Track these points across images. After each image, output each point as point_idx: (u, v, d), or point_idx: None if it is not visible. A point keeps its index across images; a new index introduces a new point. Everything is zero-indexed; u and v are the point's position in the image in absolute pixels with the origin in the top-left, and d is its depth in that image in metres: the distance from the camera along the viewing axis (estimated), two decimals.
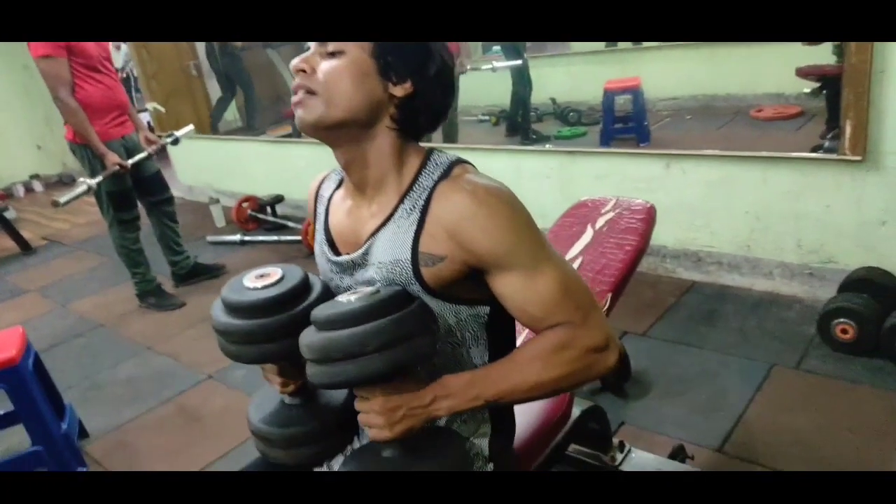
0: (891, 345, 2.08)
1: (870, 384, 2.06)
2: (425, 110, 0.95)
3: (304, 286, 1.00)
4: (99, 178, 3.03)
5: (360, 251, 0.99)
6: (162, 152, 3.55)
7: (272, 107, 7.23)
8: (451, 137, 4.88)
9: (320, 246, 1.07)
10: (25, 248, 4.95)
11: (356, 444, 1.12)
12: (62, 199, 2.96)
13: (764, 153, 2.54)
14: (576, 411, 1.42)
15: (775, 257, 2.62)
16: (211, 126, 5.71)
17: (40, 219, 6.00)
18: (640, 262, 1.55)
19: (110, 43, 4.70)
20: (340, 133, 0.93)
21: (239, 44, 5.95)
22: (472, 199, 0.89)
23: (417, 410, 0.89)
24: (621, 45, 5.92)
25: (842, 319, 2.18)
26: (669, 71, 5.46)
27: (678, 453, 1.80)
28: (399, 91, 0.92)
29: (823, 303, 2.41)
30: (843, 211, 2.39)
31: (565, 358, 0.90)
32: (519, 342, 1.13)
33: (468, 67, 4.93)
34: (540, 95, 5.59)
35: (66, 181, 7.58)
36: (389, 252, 0.95)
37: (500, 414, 1.09)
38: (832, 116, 3.59)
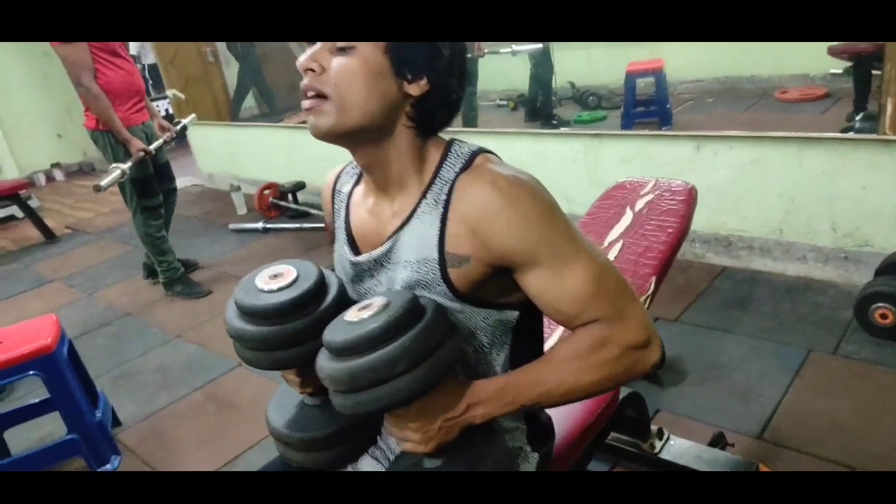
0: None
1: None
2: (441, 106, 0.89)
3: (320, 286, 0.95)
4: (129, 163, 3.04)
5: (382, 249, 0.93)
6: (182, 140, 3.55)
7: (288, 94, 7.23)
8: (470, 122, 4.85)
9: (341, 245, 1.02)
10: (49, 236, 4.99)
11: (379, 443, 1.08)
12: (103, 183, 2.96)
13: (798, 133, 2.49)
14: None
15: (808, 241, 2.58)
16: (231, 113, 5.70)
17: (63, 207, 6.05)
18: (682, 245, 1.52)
19: None
20: (357, 138, 0.88)
21: None
22: (493, 191, 0.83)
23: (452, 421, 0.86)
24: None
25: (881, 304, 2.14)
26: (691, 53, 5.37)
27: (718, 440, 1.78)
28: (415, 90, 0.86)
29: (859, 287, 2.36)
30: (880, 192, 2.34)
31: (603, 358, 0.85)
32: (547, 346, 1.10)
33: (486, 51, 4.86)
34: (558, 79, 5.53)
35: (86, 170, 7.64)
36: (416, 250, 0.90)
37: (535, 415, 1.05)
38: (861, 97, 3.54)
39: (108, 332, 3.21)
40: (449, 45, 0.87)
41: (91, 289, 3.83)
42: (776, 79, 5.38)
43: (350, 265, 0.99)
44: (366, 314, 0.83)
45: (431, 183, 0.90)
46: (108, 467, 2.13)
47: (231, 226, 4.39)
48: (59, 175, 7.49)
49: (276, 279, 0.94)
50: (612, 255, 1.51)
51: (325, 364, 0.84)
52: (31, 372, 1.97)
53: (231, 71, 6.64)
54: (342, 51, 0.84)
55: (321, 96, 0.85)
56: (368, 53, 0.84)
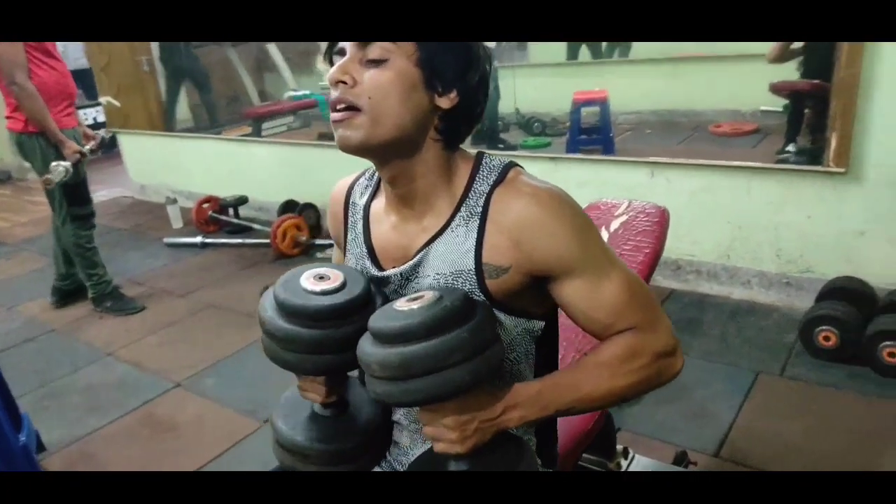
0: (872, 352, 2.13)
1: (853, 390, 2.11)
2: (467, 119, 0.90)
3: (369, 293, 0.93)
4: (69, 164, 2.85)
5: (411, 263, 0.92)
6: (111, 150, 3.37)
7: (228, 106, 7.03)
8: None
9: (359, 260, 1.00)
10: None
11: (388, 458, 1.06)
12: (56, 179, 2.79)
13: (749, 163, 2.59)
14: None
15: (754, 266, 2.67)
16: (166, 124, 5.47)
17: None
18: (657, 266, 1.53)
19: None
20: (387, 151, 0.87)
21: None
22: (536, 204, 0.85)
23: (488, 423, 0.84)
24: (583, 57, 6.00)
25: (825, 327, 2.22)
26: (631, 85, 5.55)
27: (682, 459, 1.79)
28: (445, 103, 0.86)
29: (800, 311, 2.46)
30: (823, 221, 2.46)
31: (636, 365, 0.86)
32: (560, 359, 1.09)
33: None
34: (504, 105, 5.61)
35: (1, 178, 7.16)
36: (449, 262, 0.90)
37: (545, 423, 1.04)
38: (793, 130, 3.72)
39: (31, 349, 2.97)
40: (481, 59, 0.88)
41: (11, 302, 3.55)
42: (710, 113, 5.61)
43: (374, 280, 0.97)
44: (417, 304, 0.81)
45: (465, 196, 0.90)
46: None
47: (166, 240, 4.18)
48: None
49: (324, 281, 0.90)
50: None
51: (373, 350, 0.81)
52: None
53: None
54: (374, 63, 0.83)
55: (353, 108, 0.84)
56: (401, 66, 0.83)
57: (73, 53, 6.57)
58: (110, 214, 4.99)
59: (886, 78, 2.19)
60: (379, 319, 0.82)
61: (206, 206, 4.30)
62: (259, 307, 0.92)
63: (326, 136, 4.67)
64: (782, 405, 2.08)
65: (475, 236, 0.88)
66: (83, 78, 6.43)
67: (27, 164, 3.04)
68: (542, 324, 0.96)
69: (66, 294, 3.39)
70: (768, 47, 3.48)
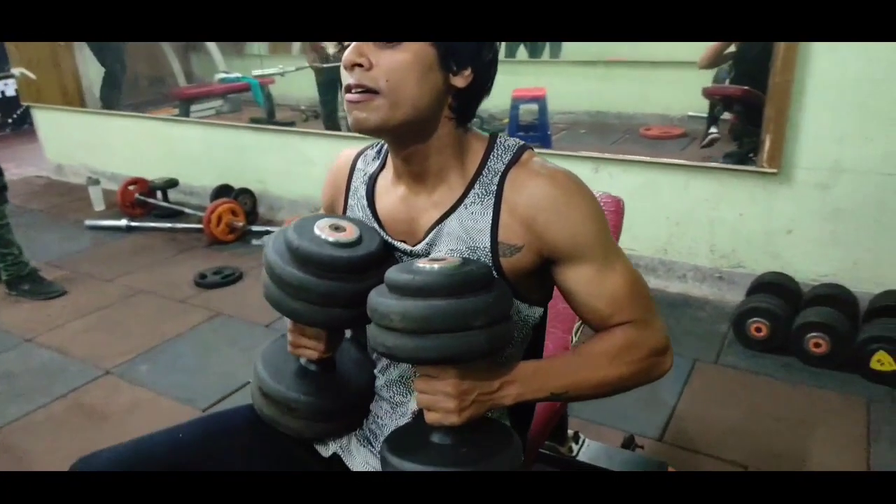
0: (799, 343, 2.27)
1: (782, 378, 2.24)
2: (479, 95, 0.91)
3: (385, 250, 0.91)
4: None
5: (423, 243, 0.92)
6: (22, 125, 3.13)
7: (152, 87, 6.69)
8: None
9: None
10: None
11: (365, 426, 1.04)
12: None
13: (688, 162, 2.70)
14: None
15: (689, 261, 2.79)
16: (103, 105, 5.12)
17: None
18: None
19: None
20: (403, 131, 0.87)
21: None
22: (552, 185, 0.87)
23: (486, 396, 0.84)
24: (520, 56, 6.10)
25: (757, 318, 2.34)
26: (565, 85, 5.69)
27: (629, 443, 1.84)
28: (460, 81, 0.86)
29: (730, 304, 2.59)
30: (754, 219, 2.59)
31: (631, 357, 0.89)
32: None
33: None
34: None
35: None
36: (464, 239, 0.90)
37: (522, 408, 1.05)
38: (713, 120, 3.90)
39: None
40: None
41: None
42: (640, 116, 5.83)
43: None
44: (439, 265, 0.79)
45: (479, 174, 0.90)
46: None
47: (87, 222, 3.95)
48: None
49: (339, 232, 0.88)
50: None
51: (393, 301, 0.78)
52: None
53: (84, 56, 6.01)
54: (388, 43, 0.83)
55: (371, 91, 0.83)
56: (418, 47, 0.83)
57: None
58: (23, 195, 4.67)
59: (817, 85, 2.33)
60: (400, 272, 0.81)
61: (132, 188, 4.09)
62: (265, 250, 0.89)
63: (258, 121, 4.54)
64: (719, 392, 2.19)
65: (490, 214, 0.88)
66: None
67: None
68: (540, 311, 0.98)
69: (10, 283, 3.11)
70: (698, 54, 3.66)
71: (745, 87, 3.17)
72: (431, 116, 0.87)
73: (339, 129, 4.29)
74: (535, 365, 0.88)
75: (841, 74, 2.29)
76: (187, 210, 3.95)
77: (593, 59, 5.83)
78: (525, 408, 1.06)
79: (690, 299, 2.80)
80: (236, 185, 3.96)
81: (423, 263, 0.81)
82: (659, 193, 2.74)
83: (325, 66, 4.29)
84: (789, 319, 2.32)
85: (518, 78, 5.41)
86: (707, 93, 3.56)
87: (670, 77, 5.07)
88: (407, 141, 0.89)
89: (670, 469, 1.73)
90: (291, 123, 4.86)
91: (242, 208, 3.70)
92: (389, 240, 0.96)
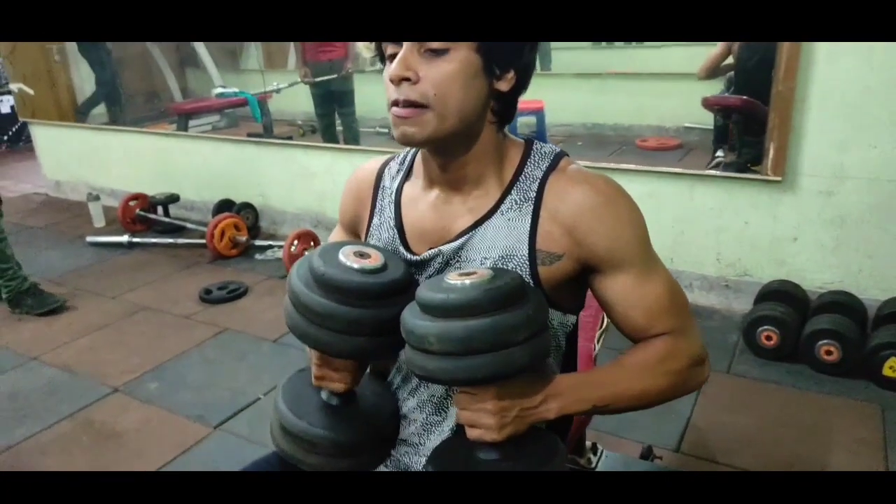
0: (810, 350, 2.27)
1: (793, 386, 2.24)
2: (518, 96, 0.89)
3: (410, 276, 0.90)
4: None
5: (455, 245, 0.90)
6: (19, 143, 3.11)
7: (147, 103, 6.68)
8: (353, 142, 4.75)
9: (389, 245, 0.97)
10: None
11: (394, 456, 1.02)
12: None
13: (692, 171, 2.71)
14: None
15: (696, 270, 2.79)
16: (77, 119, 5.12)
17: None
18: None
19: None
20: (449, 141, 0.86)
21: None
22: (595, 193, 0.86)
23: (528, 412, 0.82)
24: None
25: (767, 327, 2.35)
26: (561, 98, 5.73)
27: (648, 453, 1.84)
28: (504, 85, 0.85)
29: (738, 313, 2.60)
30: (759, 227, 2.60)
31: (671, 368, 0.87)
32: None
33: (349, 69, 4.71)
34: None
35: None
36: (500, 246, 0.88)
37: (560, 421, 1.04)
38: (720, 141, 3.94)
39: None
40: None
41: None
42: (636, 128, 5.87)
43: (409, 264, 0.94)
44: (471, 280, 0.77)
45: (516, 179, 0.89)
46: None
47: (89, 238, 3.92)
48: None
49: (364, 259, 0.86)
50: None
51: (429, 322, 0.76)
52: None
53: (80, 72, 6.00)
54: (434, 53, 0.81)
55: (420, 106, 0.81)
56: (463, 55, 0.81)
57: None
58: (21, 212, 4.64)
59: (819, 93, 2.36)
60: (432, 291, 0.79)
61: (133, 203, 4.07)
62: (289, 278, 0.88)
63: (255, 135, 4.54)
64: (732, 401, 2.19)
65: (529, 221, 0.87)
66: None
67: None
68: (574, 318, 0.97)
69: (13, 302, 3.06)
70: (691, 66, 3.69)
71: (745, 97, 3.20)
72: (476, 123, 0.86)
73: (337, 143, 4.30)
74: (575, 378, 0.88)
75: (842, 82, 2.31)
76: (189, 225, 3.94)
77: (588, 71, 5.88)
78: (563, 420, 1.05)
79: (699, 308, 2.80)
80: (238, 199, 3.95)
81: (453, 279, 0.79)
82: (663, 202, 2.75)
83: (315, 80, 4.30)
84: (799, 327, 2.33)
85: None
86: (706, 103, 3.58)
87: (665, 89, 5.12)
88: (451, 149, 0.88)
89: None
90: (289, 138, 4.86)
91: (245, 223, 3.69)
92: (416, 257, 0.94)
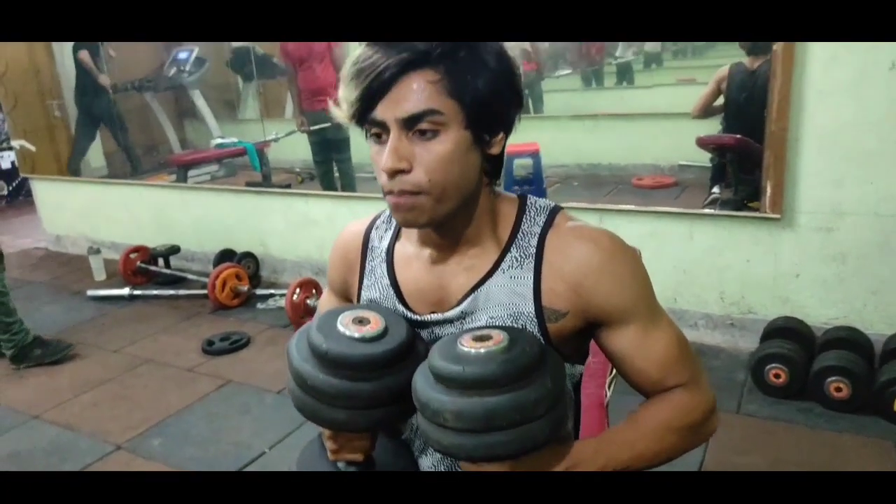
0: (819, 387, 2.26)
1: (804, 424, 2.22)
2: (504, 151, 0.88)
3: (414, 335, 0.87)
4: None
5: (458, 309, 0.89)
6: (17, 197, 3.13)
7: (146, 155, 6.75)
8: (349, 188, 4.78)
9: (387, 304, 0.95)
10: None
11: None
12: None
13: (691, 210, 2.74)
14: None
15: (700, 308, 2.79)
16: (69, 172, 5.17)
17: None
18: None
19: None
20: (451, 217, 0.85)
21: (107, 84, 5.49)
22: (597, 249, 0.85)
23: None
24: None
25: (775, 364, 2.34)
26: (556, 140, 5.80)
27: None
28: (496, 149, 0.85)
29: (744, 351, 2.59)
30: (761, 265, 2.62)
31: (688, 423, 0.87)
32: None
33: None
34: None
35: None
36: (505, 305, 0.87)
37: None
38: (717, 179, 3.99)
39: None
40: (519, 88, 0.84)
41: None
42: (631, 167, 5.94)
43: (411, 323, 0.92)
44: (486, 347, 0.74)
45: (514, 237, 0.88)
46: None
47: (90, 292, 3.91)
48: None
49: (365, 326, 0.82)
50: None
51: (445, 397, 0.73)
52: None
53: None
54: (423, 135, 0.78)
55: (416, 193, 0.80)
56: (454, 134, 0.79)
57: None
58: (22, 267, 4.64)
59: (811, 132, 2.40)
60: (445, 361, 0.75)
61: (133, 256, 4.08)
62: (289, 356, 0.84)
63: (255, 184, 4.58)
64: (743, 442, 2.16)
65: (532, 278, 0.86)
66: None
67: None
68: (581, 368, 0.96)
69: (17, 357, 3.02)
70: (682, 105, 3.76)
71: (738, 136, 3.25)
72: (474, 192, 0.86)
73: (335, 189, 4.33)
74: (594, 444, 0.85)
75: (834, 121, 2.35)
76: (190, 276, 3.94)
77: (580, 113, 5.97)
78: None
79: (704, 347, 2.79)
80: (239, 248, 3.96)
81: (467, 345, 0.76)
82: (665, 242, 2.77)
83: (312, 129, 4.37)
84: (807, 364, 2.32)
85: (514, 134, 5.52)
86: (701, 142, 3.63)
87: (658, 128, 5.19)
88: (450, 220, 0.86)
89: None
90: (287, 185, 4.90)
91: (246, 272, 3.69)
92: (416, 317, 0.92)
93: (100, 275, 4.21)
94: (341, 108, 0.81)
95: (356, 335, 0.81)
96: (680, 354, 0.88)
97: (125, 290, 3.83)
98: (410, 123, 0.77)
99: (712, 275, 2.72)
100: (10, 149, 4.79)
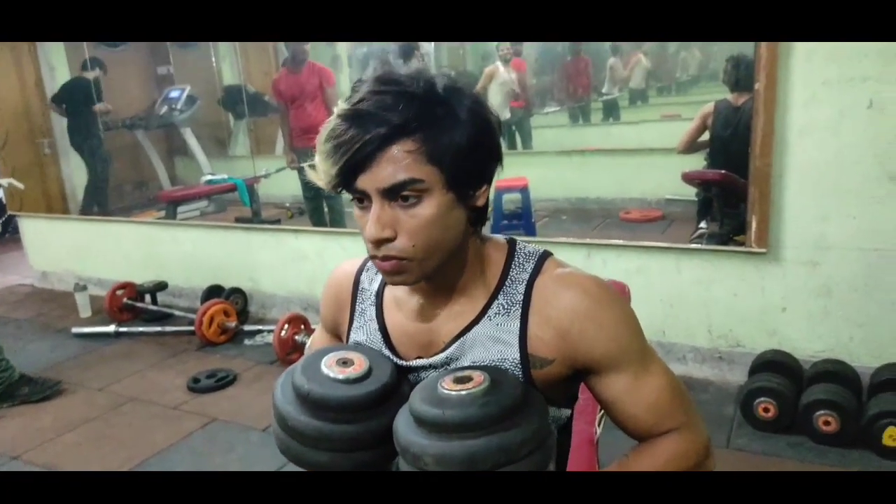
0: (808, 421, 2.25)
1: (794, 458, 2.21)
2: (488, 200, 0.89)
3: (399, 376, 0.87)
4: None
5: (444, 354, 0.88)
6: (6, 234, 3.13)
7: (135, 191, 6.75)
8: (339, 223, 4.80)
9: (375, 347, 0.95)
10: None
11: None
12: None
13: (678, 245, 2.77)
14: None
15: (688, 342, 2.80)
16: (82, 212, 5.17)
17: None
18: None
19: None
20: (439, 271, 0.85)
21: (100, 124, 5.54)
22: (585, 297, 0.84)
23: None
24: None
25: (763, 398, 2.33)
26: (545, 175, 5.87)
27: None
28: (480, 201, 0.85)
29: (733, 385, 2.59)
30: (748, 299, 2.63)
31: (684, 467, 0.86)
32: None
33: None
34: None
35: None
36: (490, 351, 0.87)
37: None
38: (703, 214, 4.05)
39: None
40: (498, 143, 0.85)
41: None
42: (619, 201, 6.01)
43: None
44: (467, 389, 0.74)
45: (502, 284, 0.88)
46: None
47: (75, 329, 3.87)
48: None
49: (348, 367, 0.82)
50: None
51: (425, 440, 0.72)
52: None
53: (70, 163, 6.07)
54: (406, 200, 0.78)
55: (403, 259, 0.80)
56: (436, 198, 0.79)
57: None
58: (7, 304, 4.59)
59: (795, 168, 2.44)
60: (427, 405, 0.75)
61: (120, 292, 4.04)
62: (274, 398, 0.84)
63: (244, 220, 4.58)
64: None
65: (518, 325, 0.86)
66: None
67: None
68: (567, 412, 0.95)
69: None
70: (667, 141, 3.82)
71: (723, 171, 3.30)
72: (461, 244, 0.86)
73: (325, 225, 4.34)
74: None
75: (816, 157, 2.40)
76: (177, 312, 3.91)
77: (568, 148, 6.05)
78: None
79: (693, 381, 2.78)
80: (227, 284, 3.94)
81: (447, 387, 0.76)
82: (652, 276, 2.79)
83: (301, 166, 4.40)
84: (795, 398, 2.32)
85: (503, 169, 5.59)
86: (686, 177, 3.69)
87: (644, 163, 5.27)
88: (438, 273, 0.86)
89: None
90: (278, 220, 4.91)
91: (234, 308, 3.67)
92: (403, 362, 0.92)
93: (85, 311, 4.16)
94: (320, 177, 0.81)
95: (339, 377, 0.81)
96: (672, 399, 0.87)
97: (111, 328, 3.79)
98: (392, 193, 0.78)
99: (700, 308, 2.73)
100: None
